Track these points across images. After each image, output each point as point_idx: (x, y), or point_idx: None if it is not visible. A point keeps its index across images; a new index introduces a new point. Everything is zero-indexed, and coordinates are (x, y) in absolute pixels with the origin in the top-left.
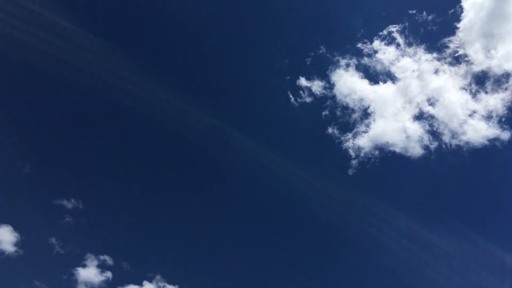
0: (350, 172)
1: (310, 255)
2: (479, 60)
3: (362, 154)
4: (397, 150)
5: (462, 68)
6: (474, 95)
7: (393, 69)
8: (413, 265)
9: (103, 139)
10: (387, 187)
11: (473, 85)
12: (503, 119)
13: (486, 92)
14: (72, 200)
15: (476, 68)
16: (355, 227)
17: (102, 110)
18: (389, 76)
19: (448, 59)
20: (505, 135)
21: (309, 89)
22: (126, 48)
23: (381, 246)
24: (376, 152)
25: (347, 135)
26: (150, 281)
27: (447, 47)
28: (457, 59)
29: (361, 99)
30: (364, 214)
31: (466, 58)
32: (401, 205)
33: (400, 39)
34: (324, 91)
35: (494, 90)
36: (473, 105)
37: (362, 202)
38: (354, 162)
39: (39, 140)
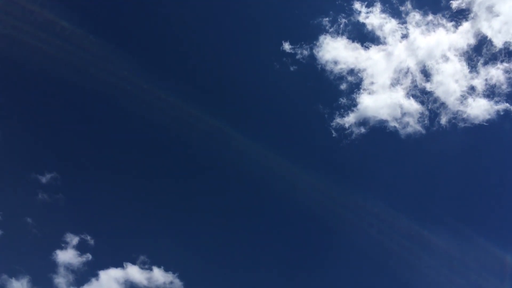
0: (338, 154)
1: (297, 246)
2: (481, 25)
3: (348, 132)
4: (389, 127)
5: (462, 31)
6: (473, 66)
7: (380, 33)
8: (408, 262)
9: (87, 121)
10: (376, 169)
11: (474, 55)
12: (506, 93)
13: (486, 63)
14: (47, 175)
15: (478, 34)
16: (347, 221)
17: (98, 106)
18: (377, 41)
19: (446, 21)
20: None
21: (292, 56)
22: (126, 48)
23: (374, 242)
24: (363, 130)
25: (333, 111)
26: (134, 262)
27: (445, 7)
28: (456, 21)
29: (349, 69)
30: (355, 205)
31: (466, 18)
32: (393, 194)
33: None
34: (309, 60)
35: (496, 62)
36: (472, 78)
37: (352, 189)
38: (340, 141)
39: (10, 107)
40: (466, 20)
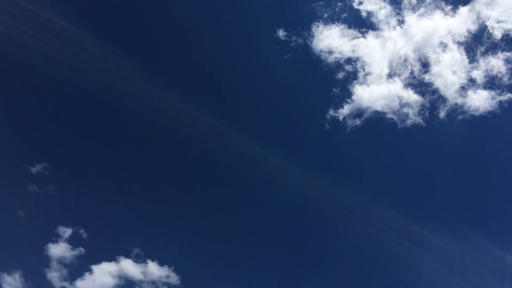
0: (331, 148)
1: (289, 240)
2: (480, 9)
3: (343, 125)
4: (386, 119)
5: (461, 15)
6: (473, 56)
7: (376, 19)
8: (407, 261)
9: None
10: (372, 162)
11: (473, 43)
12: (507, 85)
13: (486, 53)
14: (37, 165)
15: (477, 20)
16: (342, 218)
17: (97, 104)
18: (373, 28)
19: (445, 4)
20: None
21: (287, 43)
22: (126, 48)
23: (370, 238)
24: (358, 122)
25: (327, 102)
26: (127, 255)
27: None
28: (454, 4)
29: (344, 58)
30: (350, 201)
31: (465, 2)
32: (391, 190)
33: None
34: (304, 48)
35: (497, 51)
36: (472, 68)
37: (346, 184)
38: (334, 134)
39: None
40: (465, 5)
